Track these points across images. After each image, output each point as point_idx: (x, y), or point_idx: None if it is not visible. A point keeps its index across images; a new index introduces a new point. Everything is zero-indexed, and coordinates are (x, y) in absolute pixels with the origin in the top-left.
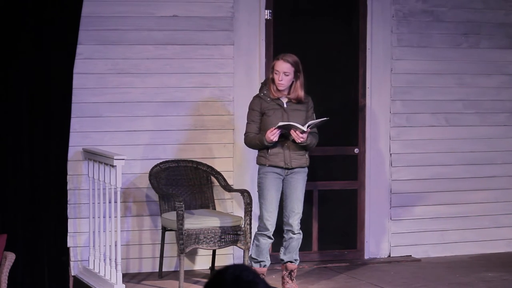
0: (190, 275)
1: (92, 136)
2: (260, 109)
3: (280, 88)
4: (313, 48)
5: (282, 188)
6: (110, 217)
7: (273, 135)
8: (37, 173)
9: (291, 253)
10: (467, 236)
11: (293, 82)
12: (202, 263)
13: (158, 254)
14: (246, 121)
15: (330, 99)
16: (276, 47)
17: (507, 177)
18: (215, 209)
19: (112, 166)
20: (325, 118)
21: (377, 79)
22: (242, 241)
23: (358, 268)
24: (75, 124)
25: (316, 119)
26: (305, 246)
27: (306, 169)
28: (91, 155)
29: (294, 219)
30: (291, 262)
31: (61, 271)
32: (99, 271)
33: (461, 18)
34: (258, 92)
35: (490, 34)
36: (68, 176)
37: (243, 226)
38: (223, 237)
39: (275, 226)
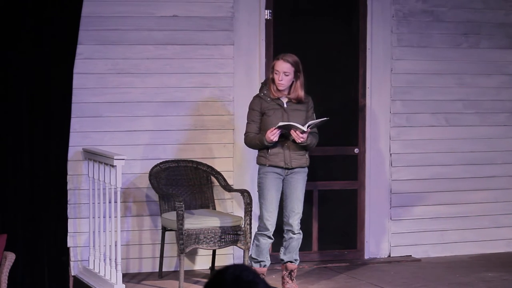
0: (190, 275)
1: (92, 136)
2: (260, 109)
3: (280, 88)
4: (313, 48)
5: (282, 188)
6: (110, 217)
7: (273, 135)
8: (37, 173)
9: (291, 253)
10: (467, 236)
11: (293, 82)
12: (202, 263)
13: (158, 254)
14: (246, 121)
15: (330, 99)
16: (276, 47)
17: (507, 177)
18: (215, 209)
19: (112, 166)
20: (325, 118)
21: (377, 79)
22: (242, 241)
23: (358, 268)
24: (75, 124)
25: (316, 119)
26: (305, 246)
27: (306, 169)
28: (91, 155)
29: (294, 219)
30: (291, 262)
31: (61, 271)
32: (99, 271)
33: (461, 18)
34: (258, 92)
35: (490, 34)
36: (68, 176)
37: (243, 226)
38: (223, 237)
39: (275, 226)
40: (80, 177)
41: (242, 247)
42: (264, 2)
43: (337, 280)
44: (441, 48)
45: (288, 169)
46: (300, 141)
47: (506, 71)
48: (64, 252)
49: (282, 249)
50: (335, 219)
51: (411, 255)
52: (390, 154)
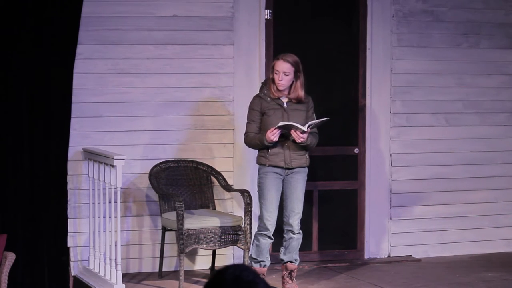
0: (190, 275)
1: (92, 136)
2: (260, 109)
3: (280, 88)
4: (313, 48)
5: (282, 188)
6: (110, 217)
7: (273, 135)
8: (37, 173)
9: (291, 253)
10: (467, 236)
11: (293, 82)
12: (202, 263)
13: (158, 254)
14: (246, 121)
15: (330, 99)
16: (276, 47)
17: (507, 177)
18: (215, 209)
19: (112, 166)
20: (325, 118)
21: (377, 79)
22: (242, 241)
23: (358, 268)
24: (75, 124)
25: (316, 119)
26: (305, 246)
27: (306, 169)
28: (91, 155)
29: (294, 219)
30: (291, 262)
31: (61, 271)
32: (99, 271)
33: (461, 18)
34: (258, 92)
35: (490, 34)
36: (68, 176)
37: (243, 226)
38: (223, 237)
39: (275, 226)
40: (80, 177)
41: (242, 247)
42: (264, 2)
43: (337, 280)
44: (441, 48)
45: (288, 169)
46: (300, 141)
47: (506, 71)
48: (64, 252)
49: (282, 249)
50: (335, 219)
51: (411, 255)
52: (390, 154)
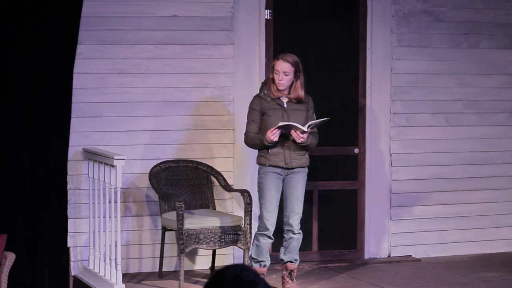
0: (190, 275)
1: (92, 136)
2: (260, 109)
3: (280, 88)
4: (313, 48)
5: (282, 188)
6: (110, 217)
7: (273, 135)
8: (37, 173)
9: (291, 253)
10: (466, 236)
11: (293, 82)
12: (202, 263)
13: (158, 254)
14: (246, 121)
15: (330, 99)
16: (276, 47)
17: (507, 177)
18: (215, 209)
19: (112, 166)
20: (326, 118)
21: (377, 79)
22: (242, 241)
23: (358, 268)
24: (75, 124)
25: (316, 119)
26: (305, 246)
27: (306, 169)
28: (91, 155)
29: (294, 219)
30: (291, 262)
31: (61, 271)
32: (99, 271)
33: (461, 18)
34: (258, 92)
35: (490, 34)
36: (68, 176)
37: (243, 226)
38: (223, 237)
39: (275, 226)
40: (80, 177)
41: (242, 247)
42: (264, 2)
43: (337, 280)
44: (441, 48)
45: (288, 169)
46: (300, 141)
47: (506, 71)
48: (64, 252)
49: (282, 249)
50: (335, 219)
51: (411, 255)
52: (390, 154)
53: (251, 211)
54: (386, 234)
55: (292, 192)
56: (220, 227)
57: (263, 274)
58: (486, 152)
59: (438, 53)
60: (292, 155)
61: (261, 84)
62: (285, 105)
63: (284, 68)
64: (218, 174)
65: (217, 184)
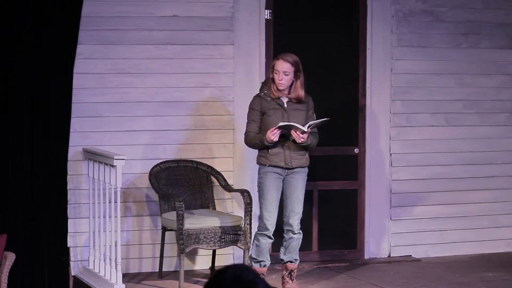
0: (190, 275)
1: (92, 136)
2: (261, 109)
3: (280, 87)
4: (313, 48)
5: (282, 188)
6: (110, 217)
7: (273, 135)
8: (37, 173)
9: (291, 253)
10: (466, 236)
11: (293, 81)
12: (202, 263)
13: (158, 254)
14: (246, 121)
15: (330, 99)
16: (276, 47)
17: (507, 177)
18: (215, 209)
19: (112, 166)
20: (326, 119)
21: (377, 79)
22: (242, 241)
23: (358, 268)
24: (75, 124)
25: (316, 119)
26: (305, 246)
27: (306, 169)
28: (91, 155)
29: (294, 219)
30: (291, 262)
31: (61, 271)
32: (99, 271)
33: (461, 18)
34: (258, 92)
35: (490, 34)
36: (68, 176)
37: (243, 226)
38: (223, 237)
39: (275, 226)
40: (80, 177)
41: (242, 247)
42: (264, 2)
43: (337, 280)
44: (441, 48)
45: (288, 169)
46: (300, 141)
47: (506, 71)
48: (64, 252)
49: (282, 249)
50: (335, 219)
51: (411, 255)
52: (390, 154)
53: (251, 211)
54: (386, 234)
55: (292, 192)
56: (220, 227)
57: (263, 274)
58: (486, 152)
59: (438, 53)
60: (292, 155)
61: (261, 84)
62: (285, 105)
63: (284, 68)
64: (218, 174)
65: (217, 184)
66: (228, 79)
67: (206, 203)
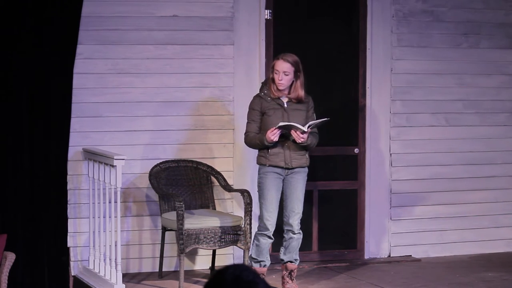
0: (190, 275)
1: (92, 136)
2: (261, 109)
3: (280, 87)
4: (313, 48)
5: (282, 188)
6: (110, 217)
7: (273, 135)
8: (37, 173)
9: (291, 253)
10: (466, 236)
11: (293, 81)
12: (202, 263)
13: (158, 254)
14: (246, 121)
15: (330, 99)
16: (276, 47)
17: (507, 177)
18: (215, 209)
19: (112, 166)
20: (326, 119)
21: (377, 79)
22: (242, 241)
23: (358, 268)
24: (75, 124)
25: (316, 119)
26: (305, 246)
27: (306, 169)
28: (91, 155)
29: (294, 219)
30: (291, 262)
31: (61, 271)
32: (99, 271)
33: (461, 18)
34: (258, 92)
35: (490, 34)
36: (68, 176)
37: (243, 226)
38: (223, 237)
39: (275, 226)
40: (80, 177)
41: (242, 247)
42: (264, 2)
43: (337, 280)
44: (441, 48)
45: (288, 169)
46: (300, 142)
47: (506, 71)
48: (64, 252)
49: (282, 249)
50: (335, 219)
51: (411, 255)
52: (390, 154)
53: (251, 211)
54: (386, 234)
55: (292, 192)
56: (220, 227)
57: (263, 274)
58: (486, 152)
59: (438, 53)
60: (292, 155)
61: (261, 84)
62: (285, 105)
63: (284, 68)
64: (218, 174)
65: (217, 184)
66: (228, 79)
67: (206, 203)
